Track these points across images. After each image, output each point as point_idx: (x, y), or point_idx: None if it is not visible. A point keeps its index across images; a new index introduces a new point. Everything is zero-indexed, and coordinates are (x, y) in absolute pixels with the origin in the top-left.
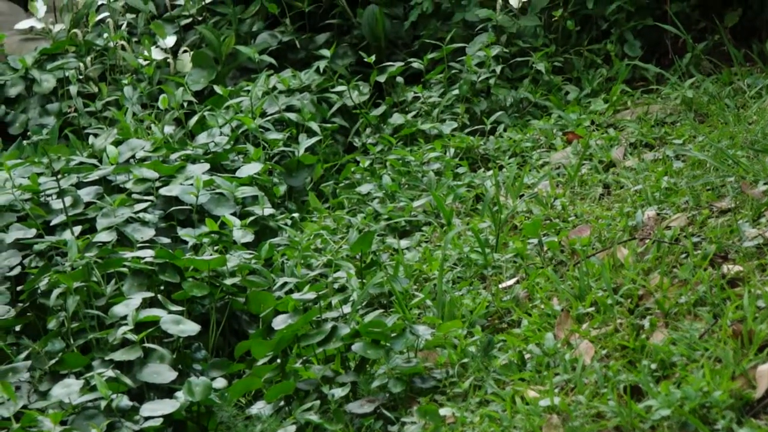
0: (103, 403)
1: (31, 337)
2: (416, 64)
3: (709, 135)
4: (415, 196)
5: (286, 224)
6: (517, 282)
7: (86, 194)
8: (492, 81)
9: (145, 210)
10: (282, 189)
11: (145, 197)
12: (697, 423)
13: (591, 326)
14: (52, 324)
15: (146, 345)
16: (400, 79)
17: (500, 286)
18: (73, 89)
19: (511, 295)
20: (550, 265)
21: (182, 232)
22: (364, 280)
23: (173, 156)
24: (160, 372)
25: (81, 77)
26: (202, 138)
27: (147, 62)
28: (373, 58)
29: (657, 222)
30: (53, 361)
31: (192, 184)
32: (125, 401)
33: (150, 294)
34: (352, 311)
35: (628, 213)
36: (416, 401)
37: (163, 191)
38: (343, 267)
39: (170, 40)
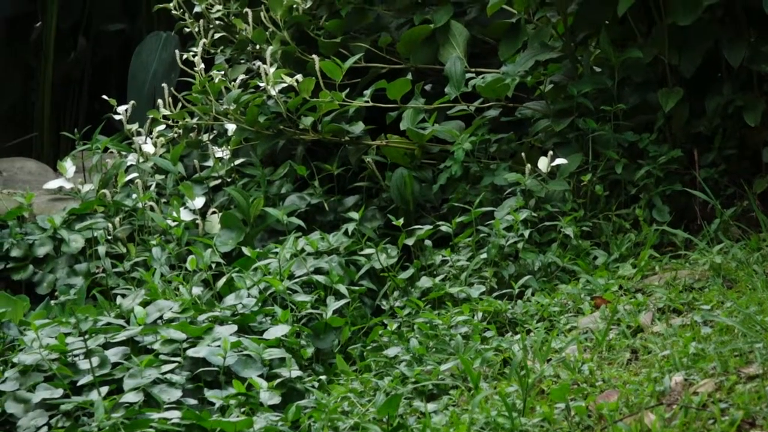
0: None
1: None
2: (445, 228)
3: (737, 301)
4: (443, 360)
5: (313, 386)
6: None
7: (113, 355)
8: (520, 245)
9: (172, 371)
10: (309, 351)
11: (173, 358)
12: None
13: None
14: None
15: None
16: (428, 242)
17: None
18: (102, 249)
19: None
20: (578, 430)
21: (209, 394)
22: None
23: (201, 317)
24: None
25: (109, 237)
26: (230, 299)
27: (175, 223)
28: (402, 221)
29: (684, 387)
30: None
31: (219, 346)
32: None
33: None
34: None
35: (655, 378)
36: None
37: (190, 352)
38: (370, 430)
39: (199, 201)
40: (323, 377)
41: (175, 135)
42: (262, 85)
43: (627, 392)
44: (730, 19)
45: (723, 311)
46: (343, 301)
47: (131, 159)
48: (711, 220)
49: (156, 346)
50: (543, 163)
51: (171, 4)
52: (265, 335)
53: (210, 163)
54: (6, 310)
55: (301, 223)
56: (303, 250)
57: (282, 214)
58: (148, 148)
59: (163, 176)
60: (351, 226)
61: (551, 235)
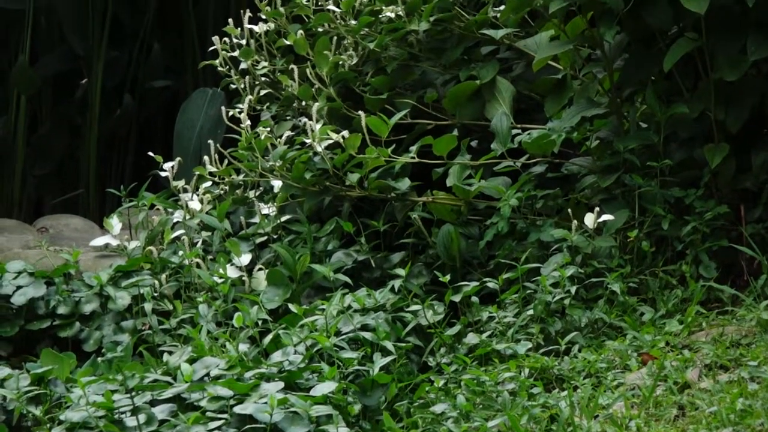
0: None
1: None
2: (491, 284)
3: None
4: (490, 416)
5: None
6: None
7: (160, 412)
8: (567, 301)
9: (219, 428)
10: (356, 408)
11: (220, 415)
12: None
13: None
14: None
15: None
16: (475, 298)
17: None
18: (148, 307)
19: None
20: None
21: None
22: None
23: (248, 374)
24: None
25: (156, 295)
26: (276, 356)
27: (222, 280)
28: (448, 277)
29: None
30: None
31: (266, 403)
32: None
33: None
34: None
35: None
36: None
37: (237, 409)
38: None
39: (245, 258)
40: None
41: (222, 192)
42: (308, 141)
43: None
44: None
45: None
46: (389, 358)
47: (177, 216)
48: (758, 276)
49: (203, 403)
50: (589, 219)
51: (217, 61)
52: (312, 392)
53: (256, 219)
54: (53, 368)
55: (348, 279)
56: (349, 306)
57: (328, 270)
58: (195, 204)
59: (209, 233)
60: (397, 283)
61: (598, 292)
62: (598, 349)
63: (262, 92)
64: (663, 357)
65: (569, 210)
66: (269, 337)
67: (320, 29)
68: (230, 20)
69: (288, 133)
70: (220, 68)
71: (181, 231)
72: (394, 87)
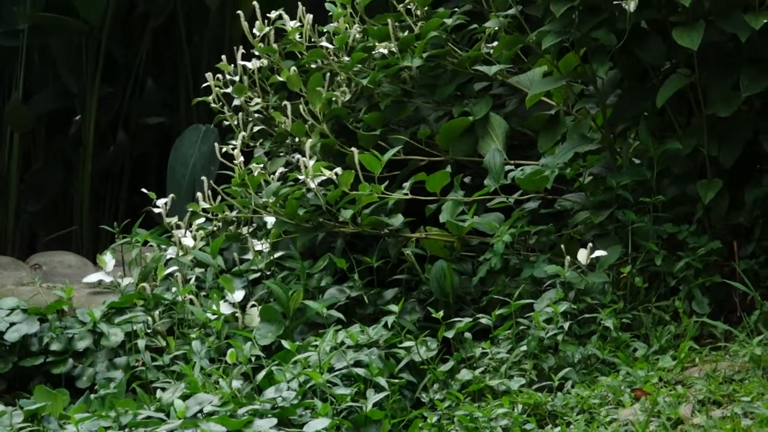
0: None
1: None
2: (484, 320)
3: None
4: None
5: None
6: None
7: None
8: (560, 337)
9: None
10: None
11: None
12: None
13: None
14: None
15: None
16: (468, 334)
17: None
18: (141, 343)
19: None
20: None
21: None
22: None
23: (241, 411)
24: None
25: (149, 331)
26: (269, 393)
27: (215, 316)
28: (441, 313)
29: None
30: None
31: None
32: None
33: None
34: None
35: None
36: None
37: None
38: None
39: (239, 295)
40: None
41: (215, 228)
42: (301, 177)
43: None
44: None
45: (763, 403)
46: (383, 394)
47: (171, 252)
48: (751, 312)
49: None
50: (582, 256)
51: (210, 98)
52: (306, 428)
53: (249, 256)
54: (46, 404)
55: (341, 316)
56: (343, 343)
57: (321, 307)
58: (188, 241)
59: (202, 269)
60: (390, 319)
61: (591, 328)
62: (591, 385)
63: (256, 129)
64: (656, 393)
65: (562, 246)
66: (262, 373)
67: (313, 65)
68: (223, 57)
69: (281, 169)
70: (213, 105)
71: (175, 267)
72: (388, 123)
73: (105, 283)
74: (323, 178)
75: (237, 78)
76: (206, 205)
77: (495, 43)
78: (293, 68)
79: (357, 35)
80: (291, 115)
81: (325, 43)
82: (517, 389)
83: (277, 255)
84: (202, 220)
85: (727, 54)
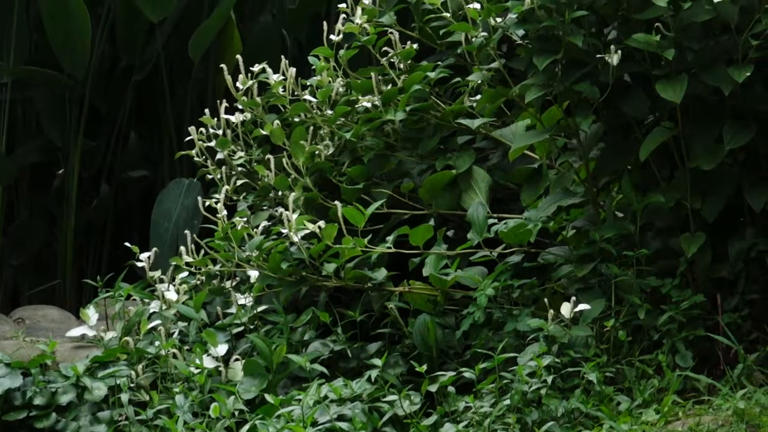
0: None
1: None
2: (468, 374)
3: None
4: None
5: None
6: None
7: None
8: (543, 391)
9: None
10: None
11: None
12: None
13: None
14: None
15: None
16: (451, 388)
17: None
18: (125, 397)
19: None
20: None
21: None
22: None
23: None
24: None
25: (132, 385)
26: None
27: (199, 371)
28: (425, 367)
29: None
30: None
31: None
32: None
33: None
34: None
35: None
36: None
37: None
38: None
39: (222, 349)
40: None
41: (198, 282)
42: (284, 231)
43: None
44: (751, 163)
45: None
46: None
47: (154, 306)
48: (734, 365)
49: None
50: (566, 309)
51: (193, 151)
52: None
53: (233, 310)
54: None
55: (324, 369)
56: (326, 396)
57: (305, 361)
58: (171, 295)
59: (186, 323)
60: (374, 373)
61: (574, 381)
62: None
63: (239, 182)
64: None
65: (546, 299)
66: (246, 427)
67: (297, 119)
68: (207, 110)
69: (264, 223)
70: (196, 158)
71: (158, 321)
72: (371, 177)
73: (88, 337)
74: (306, 231)
75: (220, 131)
76: (189, 259)
77: (478, 97)
78: (276, 122)
79: (340, 89)
80: (274, 169)
81: (308, 97)
82: None
83: (260, 309)
84: (186, 273)
85: (711, 107)
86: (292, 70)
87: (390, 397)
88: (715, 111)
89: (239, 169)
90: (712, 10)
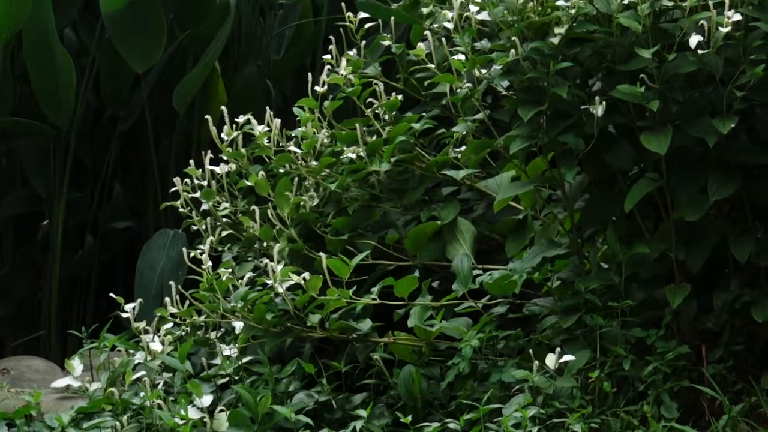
0: None
1: None
2: (453, 425)
3: None
4: None
5: None
6: None
7: None
8: None
9: None
10: None
11: None
12: None
13: None
14: None
15: None
16: None
17: None
18: None
19: None
20: None
21: None
22: None
23: None
24: None
25: None
26: None
27: (183, 421)
28: (410, 418)
29: None
30: None
31: None
32: None
33: None
34: None
35: None
36: None
37: None
38: None
39: (207, 399)
40: None
41: (183, 333)
42: (269, 282)
43: None
44: (737, 214)
45: None
46: None
47: (139, 357)
48: (719, 417)
49: None
50: (551, 360)
51: (178, 203)
52: None
53: (218, 360)
54: None
55: (309, 420)
56: None
57: (290, 412)
58: (156, 346)
59: (171, 374)
60: (359, 424)
61: None
62: None
63: (224, 233)
64: None
65: (530, 350)
66: None
67: (281, 170)
68: (191, 161)
69: (249, 274)
70: (181, 209)
71: (143, 372)
72: (356, 228)
73: (73, 388)
74: (291, 282)
75: (205, 182)
76: (174, 310)
77: (463, 148)
78: (261, 173)
79: (325, 140)
80: (259, 220)
81: (293, 148)
82: None
83: (245, 360)
84: (171, 324)
85: (695, 158)
86: (277, 122)
87: None
88: (699, 162)
89: (224, 220)
90: (696, 61)
